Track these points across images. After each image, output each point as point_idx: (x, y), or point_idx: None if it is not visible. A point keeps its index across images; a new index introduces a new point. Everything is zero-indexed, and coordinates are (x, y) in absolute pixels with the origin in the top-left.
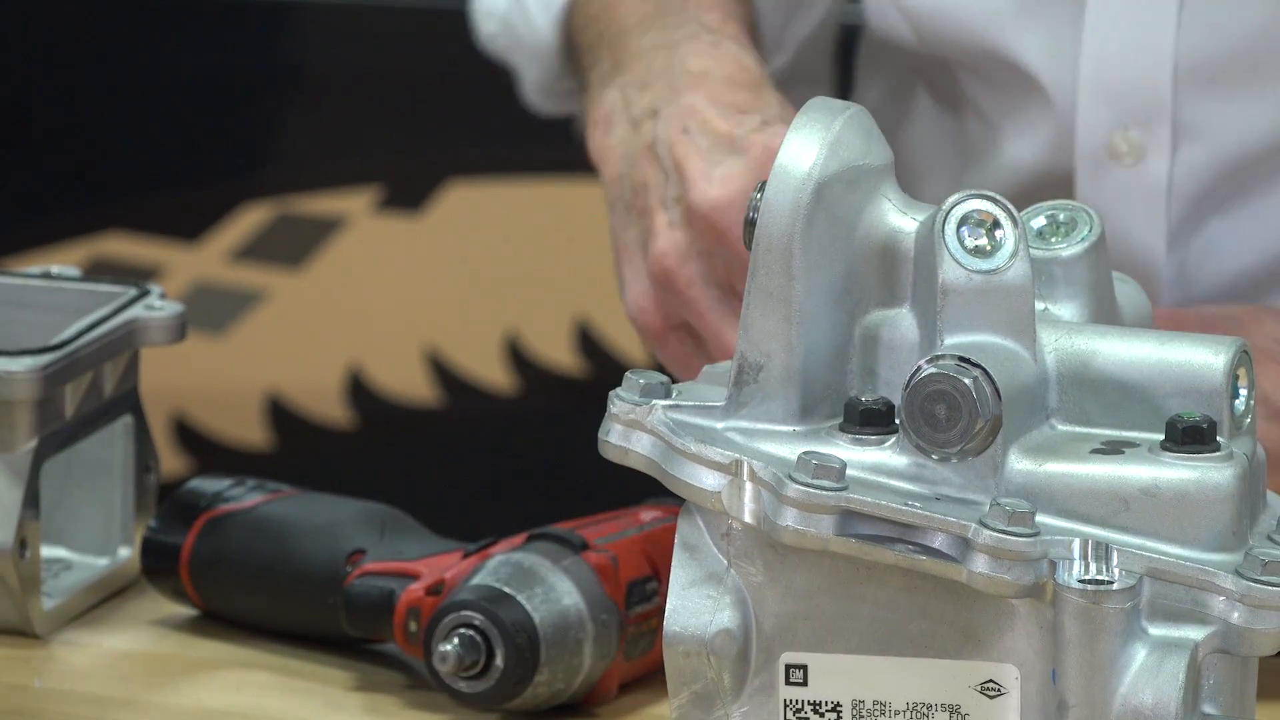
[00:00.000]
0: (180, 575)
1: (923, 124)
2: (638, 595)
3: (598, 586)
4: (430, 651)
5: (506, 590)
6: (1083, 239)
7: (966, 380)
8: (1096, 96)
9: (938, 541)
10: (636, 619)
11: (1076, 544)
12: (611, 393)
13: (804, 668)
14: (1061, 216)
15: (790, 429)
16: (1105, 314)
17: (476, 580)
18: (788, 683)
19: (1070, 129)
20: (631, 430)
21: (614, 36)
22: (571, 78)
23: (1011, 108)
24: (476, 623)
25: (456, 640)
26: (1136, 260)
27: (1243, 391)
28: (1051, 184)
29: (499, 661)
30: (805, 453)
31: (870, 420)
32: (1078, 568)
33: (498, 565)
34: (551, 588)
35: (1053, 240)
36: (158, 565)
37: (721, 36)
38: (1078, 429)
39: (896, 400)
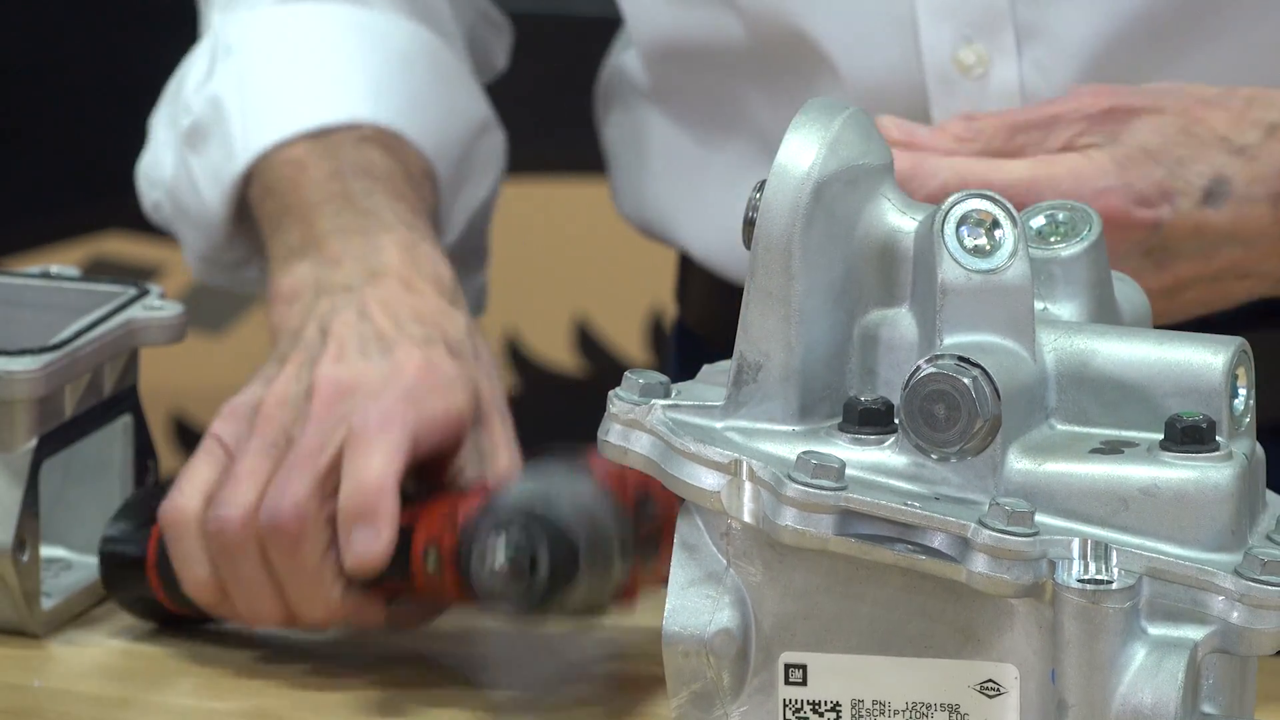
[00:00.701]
0: (150, 582)
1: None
2: (641, 513)
3: (613, 493)
4: (469, 566)
5: (544, 494)
6: (1082, 239)
7: (966, 380)
8: (935, 16)
9: (937, 541)
10: (644, 533)
11: (1076, 544)
12: (611, 392)
13: (803, 667)
14: (1061, 216)
15: (789, 429)
16: (1105, 314)
17: (508, 493)
18: (787, 682)
19: (913, 56)
20: (631, 430)
21: (301, 211)
22: (241, 247)
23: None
24: (518, 529)
25: (501, 547)
26: None
27: (1241, 391)
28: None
29: (542, 569)
30: (804, 452)
31: (869, 420)
32: (1077, 567)
33: (522, 478)
34: (578, 493)
35: (1052, 240)
36: (122, 577)
37: (417, 236)
38: (1077, 429)
39: (896, 400)
